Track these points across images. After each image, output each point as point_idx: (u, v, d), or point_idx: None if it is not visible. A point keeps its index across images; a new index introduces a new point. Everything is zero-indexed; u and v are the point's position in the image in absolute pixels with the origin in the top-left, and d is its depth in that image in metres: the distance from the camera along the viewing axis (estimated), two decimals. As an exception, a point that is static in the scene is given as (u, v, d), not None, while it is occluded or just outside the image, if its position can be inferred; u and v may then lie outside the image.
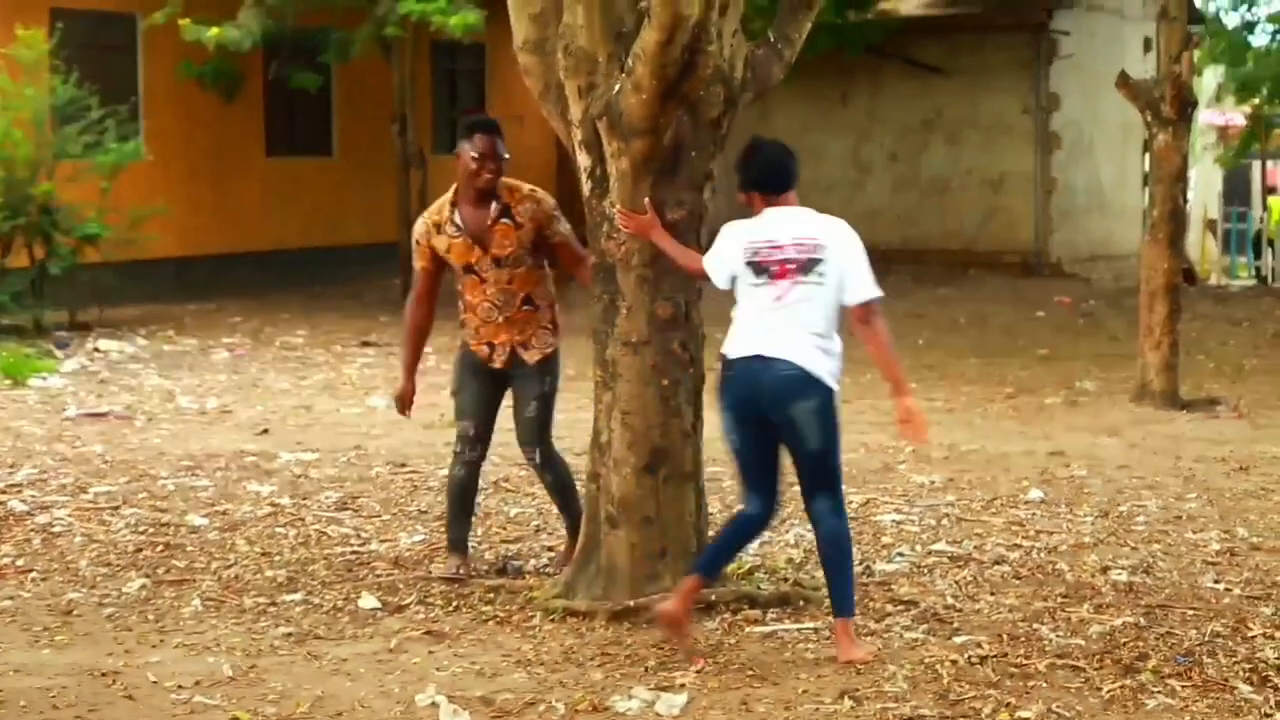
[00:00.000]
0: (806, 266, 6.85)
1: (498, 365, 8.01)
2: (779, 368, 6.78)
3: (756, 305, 6.87)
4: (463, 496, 8.18)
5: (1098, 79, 26.04)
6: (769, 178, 7.05)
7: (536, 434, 8.11)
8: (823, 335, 6.92)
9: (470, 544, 8.46)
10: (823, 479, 6.96)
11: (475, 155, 7.87)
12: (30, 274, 18.85)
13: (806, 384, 6.81)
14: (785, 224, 6.94)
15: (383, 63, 23.55)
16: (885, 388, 14.40)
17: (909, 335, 18.79)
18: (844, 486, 7.12)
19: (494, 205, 7.93)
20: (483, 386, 8.10)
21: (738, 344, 6.89)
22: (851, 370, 15.51)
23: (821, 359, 6.87)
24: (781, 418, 6.83)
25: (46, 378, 15.09)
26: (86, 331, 18.66)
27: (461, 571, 8.02)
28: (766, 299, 6.83)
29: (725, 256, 6.97)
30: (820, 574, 8.04)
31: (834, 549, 6.93)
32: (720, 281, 7.01)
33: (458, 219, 7.97)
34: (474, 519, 8.52)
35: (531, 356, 8.02)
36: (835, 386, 6.95)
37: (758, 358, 6.81)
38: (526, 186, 8.07)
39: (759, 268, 6.85)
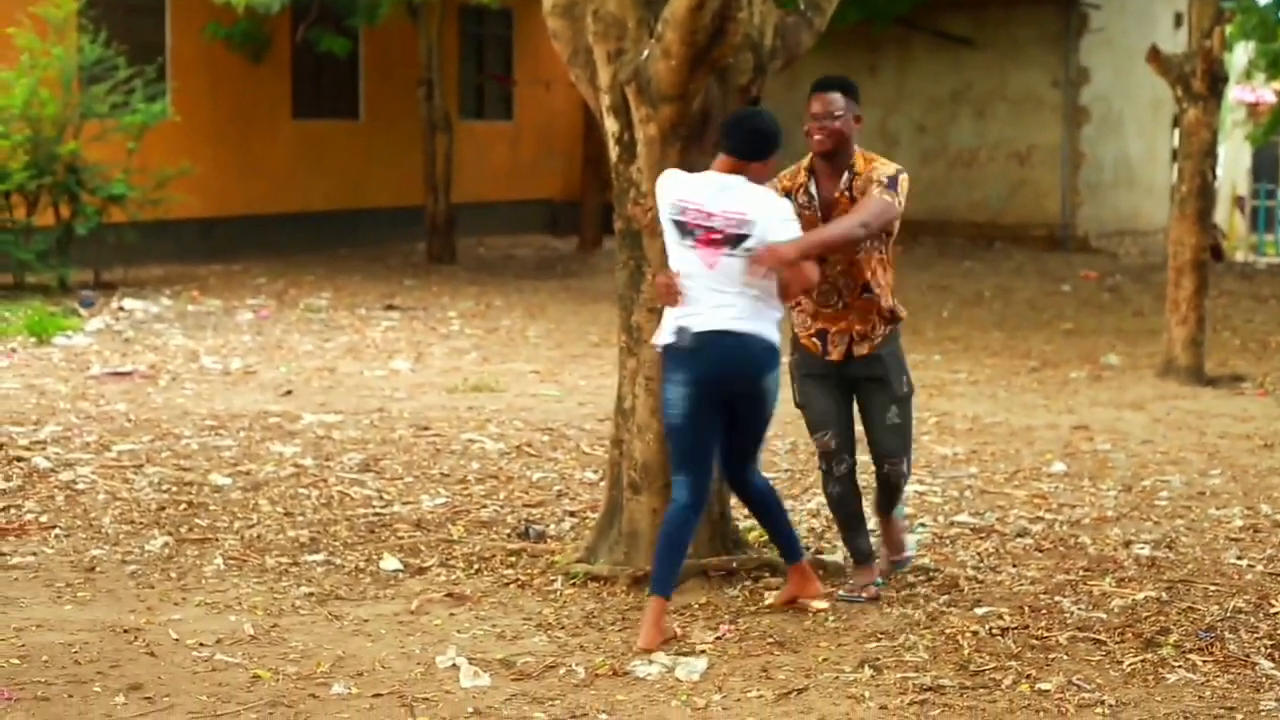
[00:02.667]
0: (733, 241, 6.61)
1: (834, 358, 7.23)
2: (753, 344, 6.66)
3: (693, 271, 6.66)
4: (845, 509, 7.39)
5: (1128, 53, 25.96)
6: (746, 145, 6.77)
7: (899, 443, 7.34)
8: (769, 303, 6.74)
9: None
10: (757, 447, 7.01)
11: (811, 115, 7.19)
12: (56, 233, 18.89)
13: (774, 357, 6.73)
14: (720, 193, 6.67)
15: (410, 26, 23.55)
16: (910, 358, 14.46)
17: (933, 307, 18.78)
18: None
19: (844, 175, 7.17)
20: (829, 391, 7.31)
21: (697, 316, 6.66)
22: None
23: (775, 329, 6.77)
24: (752, 392, 6.74)
25: (71, 336, 15.13)
26: (111, 291, 18.70)
27: (872, 589, 7.25)
28: (698, 265, 6.64)
29: (660, 202, 6.83)
30: (840, 542, 8.07)
31: (775, 501, 7.11)
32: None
33: (812, 188, 7.27)
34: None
35: (863, 349, 7.23)
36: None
37: (729, 334, 6.63)
38: (880, 160, 7.20)
39: (685, 228, 6.67)
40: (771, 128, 6.82)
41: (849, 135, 7.18)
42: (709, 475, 6.84)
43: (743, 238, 6.60)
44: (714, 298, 6.64)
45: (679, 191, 6.72)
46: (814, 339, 7.23)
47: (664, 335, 6.74)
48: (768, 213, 6.66)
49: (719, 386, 6.69)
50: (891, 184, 6.98)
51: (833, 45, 13.69)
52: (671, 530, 6.76)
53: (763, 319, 6.69)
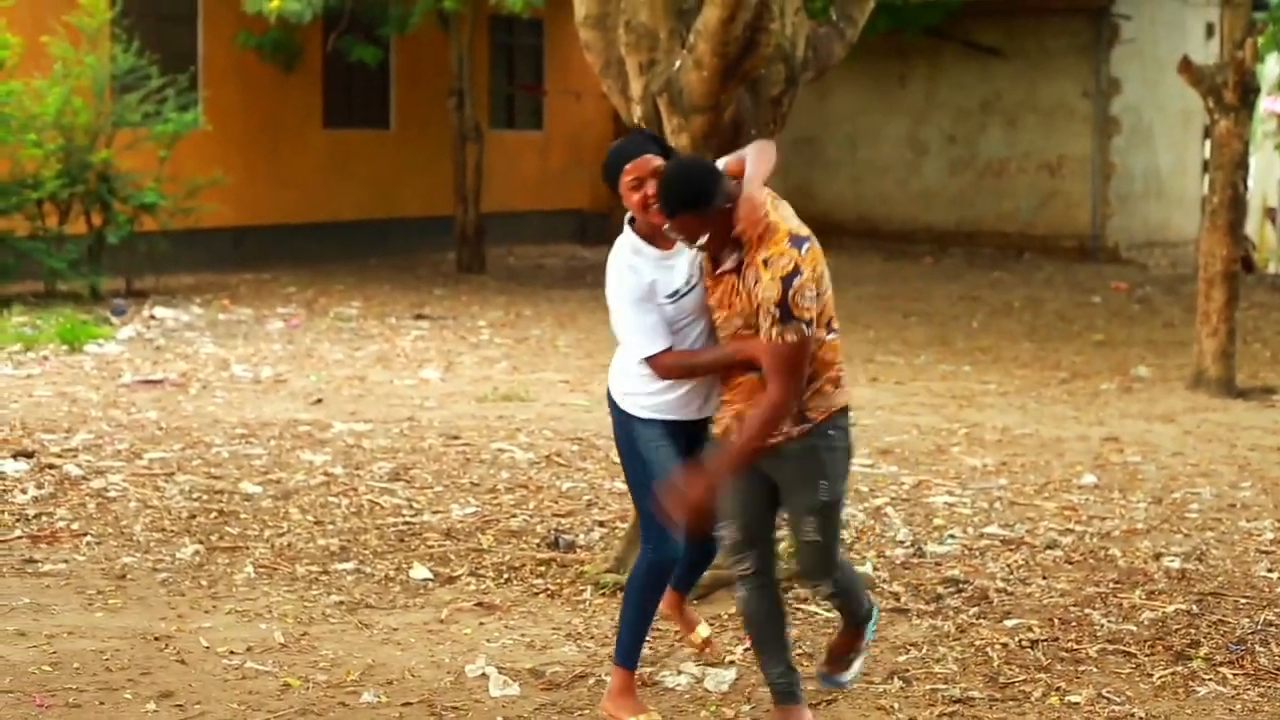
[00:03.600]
0: None
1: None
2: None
3: None
4: (751, 623, 5.90)
5: (1159, 64, 25.89)
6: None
7: (814, 563, 5.82)
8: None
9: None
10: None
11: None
12: (88, 241, 18.95)
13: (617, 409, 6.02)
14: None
15: (441, 36, 23.58)
16: (939, 369, 14.43)
17: (962, 318, 18.75)
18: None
19: (737, 251, 5.58)
20: (748, 477, 5.70)
21: None
22: (904, 352, 15.63)
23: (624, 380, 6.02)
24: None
25: (103, 344, 15.18)
26: (142, 299, 18.76)
27: None
28: None
29: None
30: (871, 554, 8.07)
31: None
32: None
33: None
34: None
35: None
36: (634, 411, 5.94)
37: None
38: (775, 237, 5.51)
39: None
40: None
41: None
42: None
43: None
44: None
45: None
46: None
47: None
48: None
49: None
50: (784, 313, 5.36)
51: (862, 55, 13.72)
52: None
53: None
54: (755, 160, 5.62)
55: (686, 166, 5.57)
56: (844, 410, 5.69)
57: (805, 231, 5.52)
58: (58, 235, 18.64)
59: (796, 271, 5.35)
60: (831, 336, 5.58)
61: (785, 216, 5.55)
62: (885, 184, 28.48)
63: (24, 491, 9.18)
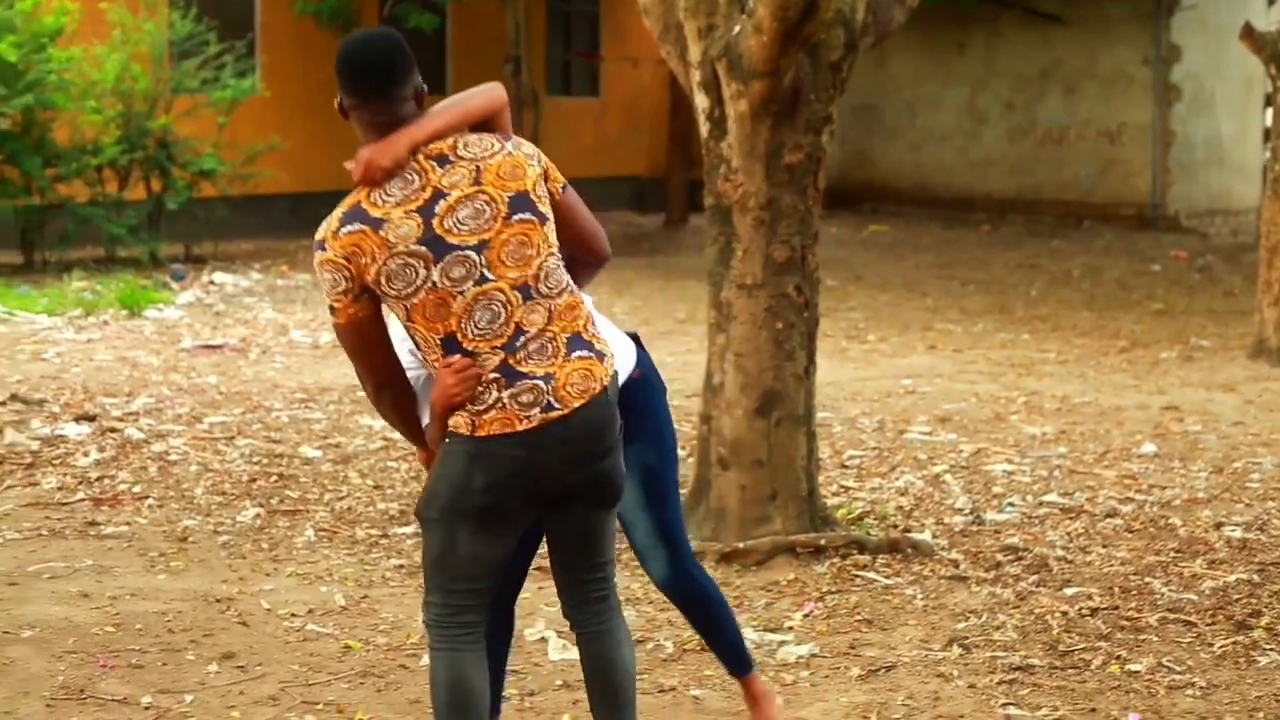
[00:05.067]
0: None
1: None
2: None
3: None
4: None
5: (1220, 31, 25.63)
6: None
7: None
8: None
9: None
10: None
11: None
12: (147, 207, 19.06)
13: None
14: None
15: (498, 3, 23.57)
16: (997, 337, 14.37)
17: (1021, 286, 18.67)
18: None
19: None
20: None
21: None
22: (963, 320, 15.57)
23: None
24: None
25: (162, 309, 15.27)
26: (201, 264, 18.86)
27: None
28: None
29: None
30: (930, 521, 8.07)
31: None
32: None
33: None
34: None
35: None
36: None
37: None
38: None
39: None
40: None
41: None
42: None
43: None
44: None
45: None
46: None
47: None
48: None
49: None
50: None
51: (921, 22, 13.65)
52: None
53: None
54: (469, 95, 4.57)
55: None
56: (479, 439, 4.28)
57: (377, 213, 4.24)
58: (117, 201, 18.76)
59: (319, 245, 4.31)
60: (448, 356, 4.29)
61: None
62: (944, 152, 28.34)
63: (86, 455, 9.25)
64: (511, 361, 4.26)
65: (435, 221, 4.23)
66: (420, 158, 4.29)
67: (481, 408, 4.26)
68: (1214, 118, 27.77)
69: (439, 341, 4.27)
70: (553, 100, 26.31)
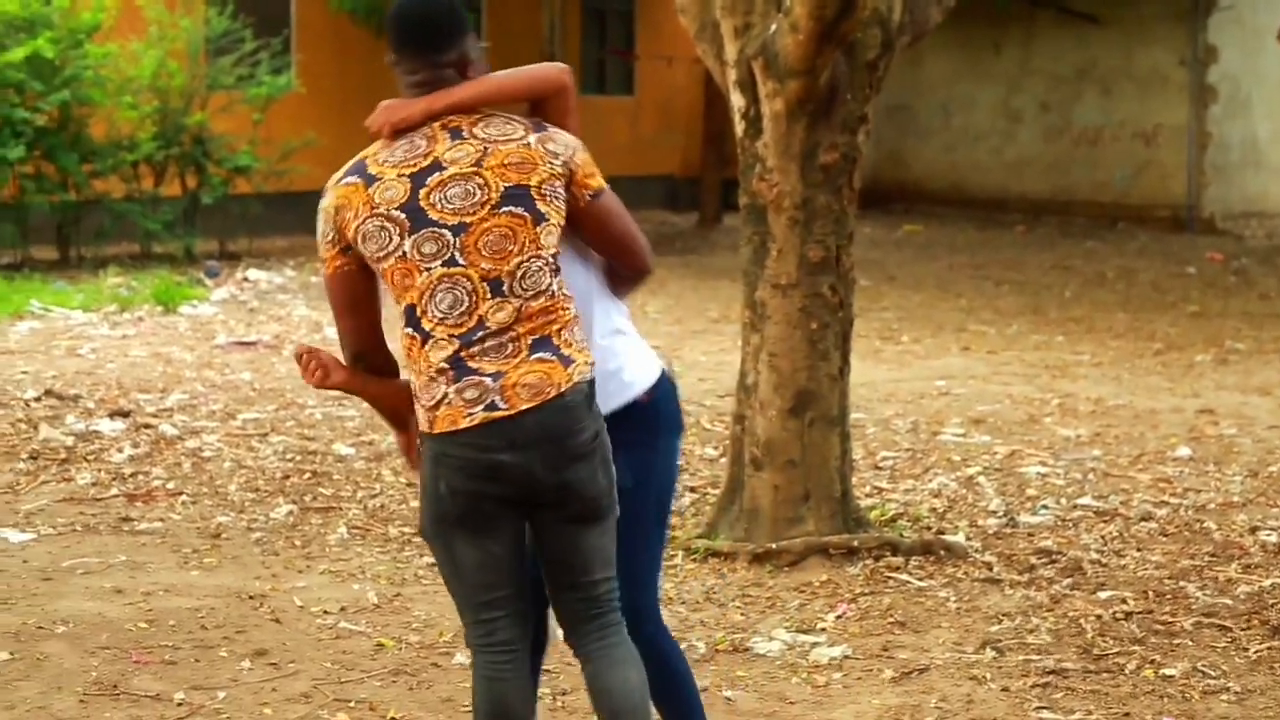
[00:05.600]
0: None
1: None
2: None
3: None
4: None
5: (1257, 32, 25.55)
6: None
7: None
8: None
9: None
10: None
11: None
12: (182, 203, 19.13)
13: None
14: None
15: (533, 1, 23.58)
16: (1031, 339, 14.31)
17: (1055, 288, 18.61)
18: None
19: None
20: None
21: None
22: (997, 321, 15.53)
23: None
24: None
25: (197, 305, 15.31)
26: (236, 261, 18.91)
27: None
28: None
29: None
30: (963, 523, 8.05)
31: None
32: None
33: None
34: None
35: None
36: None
37: None
38: None
39: None
40: None
41: None
42: None
43: None
44: None
45: None
46: None
47: (659, 367, 4.60)
48: None
49: None
50: None
51: (956, 21, 13.56)
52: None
53: None
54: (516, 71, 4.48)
55: None
56: (434, 437, 4.20)
57: (375, 170, 4.27)
58: (153, 197, 18.83)
59: (323, 191, 4.39)
60: (411, 329, 4.21)
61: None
62: (978, 152, 28.27)
63: (120, 450, 9.28)
64: (464, 355, 4.14)
65: (423, 192, 4.16)
66: (435, 126, 4.24)
67: (432, 403, 4.15)
68: (1250, 119, 27.64)
69: (402, 310, 4.19)
70: (587, 99, 26.30)
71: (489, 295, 4.14)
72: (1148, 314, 16.66)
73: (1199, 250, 23.10)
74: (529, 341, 4.15)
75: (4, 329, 13.74)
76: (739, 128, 7.53)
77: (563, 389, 4.15)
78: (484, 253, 4.14)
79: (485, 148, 4.19)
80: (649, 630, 4.52)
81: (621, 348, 4.46)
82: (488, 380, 4.13)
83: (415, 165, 4.20)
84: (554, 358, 4.16)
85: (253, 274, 17.80)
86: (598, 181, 4.32)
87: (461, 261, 4.14)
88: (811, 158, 7.31)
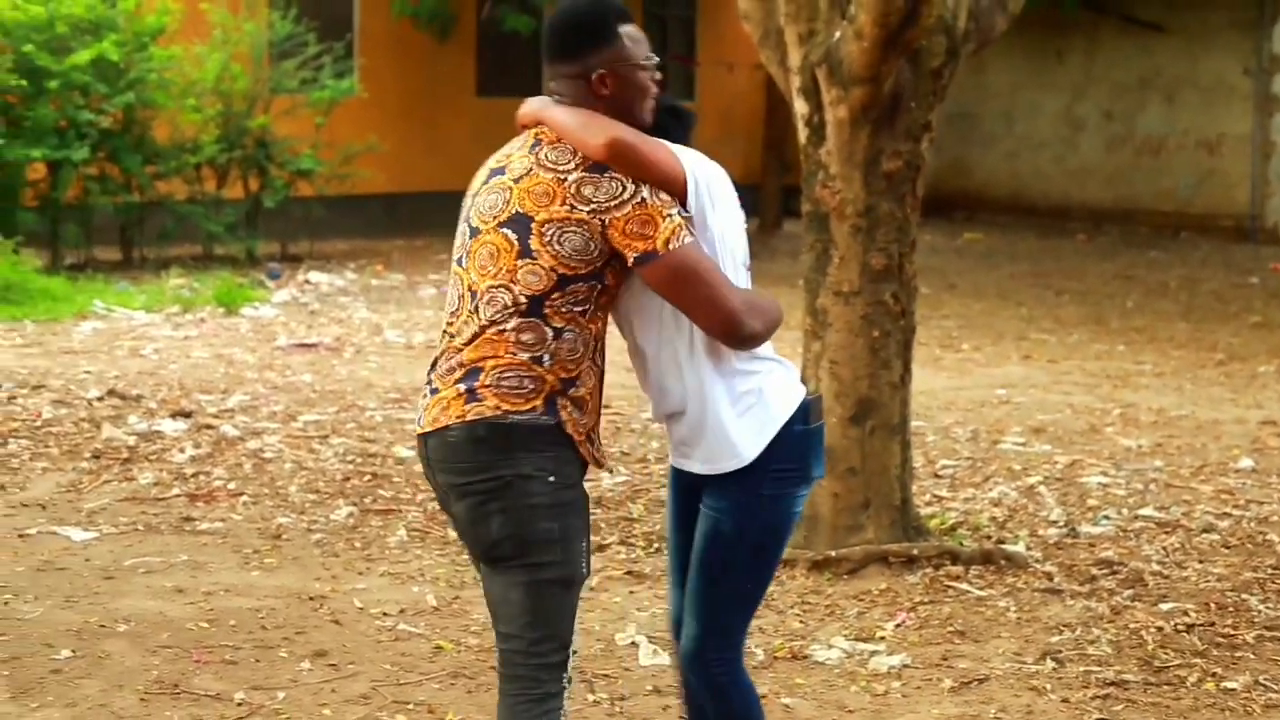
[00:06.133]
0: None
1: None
2: None
3: None
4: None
5: (1323, 41, 25.35)
6: None
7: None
8: None
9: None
10: None
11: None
12: (245, 205, 19.23)
13: None
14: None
15: (595, 6, 23.60)
16: (1092, 348, 14.23)
17: (1117, 297, 18.51)
18: None
19: None
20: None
21: (796, 378, 4.40)
22: (1058, 330, 15.44)
23: None
24: None
25: (258, 307, 15.38)
26: (297, 263, 19.00)
27: None
28: None
29: (734, 194, 4.34)
30: (1024, 532, 8.00)
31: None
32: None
33: None
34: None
35: None
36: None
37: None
38: None
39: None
40: None
41: None
42: None
43: None
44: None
45: (727, 184, 4.33)
46: (589, 447, 4.28)
47: (793, 407, 4.30)
48: None
49: None
50: None
51: (1019, 28, 13.47)
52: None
53: None
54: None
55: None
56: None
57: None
58: (215, 199, 18.94)
59: None
60: None
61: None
62: (1041, 160, 28.15)
63: (182, 451, 9.33)
64: (439, 356, 4.19)
65: (481, 188, 4.21)
66: (531, 132, 4.21)
67: None
68: (1315, 129, 27.44)
69: None
70: (648, 104, 26.29)
71: (469, 306, 4.13)
72: (1210, 324, 16.54)
73: (1262, 260, 22.94)
74: (466, 369, 4.10)
75: (68, 329, 13.84)
76: (802, 135, 7.52)
77: (450, 423, 4.07)
78: (477, 263, 4.12)
79: (531, 168, 4.11)
80: (723, 682, 4.40)
81: (725, 411, 4.22)
82: (427, 392, 4.19)
83: (498, 162, 4.23)
84: (465, 390, 4.07)
85: (314, 276, 17.88)
86: (645, 245, 4.02)
87: (465, 264, 4.17)
88: (875, 165, 7.29)
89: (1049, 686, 6.01)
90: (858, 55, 7.07)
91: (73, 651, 6.15)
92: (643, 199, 4.02)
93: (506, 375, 4.06)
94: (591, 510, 8.13)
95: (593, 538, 7.73)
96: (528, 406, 4.05)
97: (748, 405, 4.21)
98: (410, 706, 5.75)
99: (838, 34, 7.17)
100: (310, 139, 19.42)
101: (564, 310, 4.07)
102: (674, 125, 4.34)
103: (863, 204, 7.32)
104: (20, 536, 7.66)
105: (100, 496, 8.42)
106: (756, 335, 4.13)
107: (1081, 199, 27.51)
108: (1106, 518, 8.47)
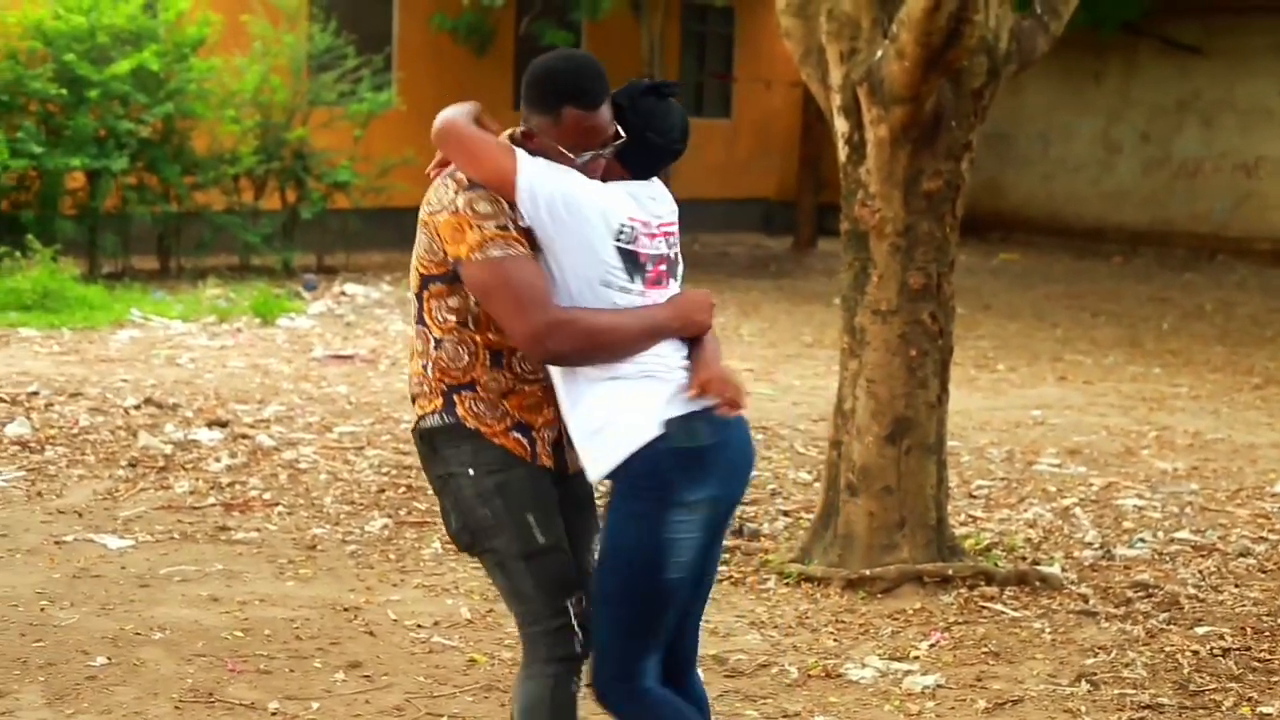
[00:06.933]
0: (677, 267, 4.39)
1: (548, 464, 4.35)
2: (747, 430, 4.37)
3: None
4: None
5: (1363, 65, 25.26)
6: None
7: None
8: None
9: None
10: (704, 606, 4.62)
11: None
12: (282, 217, 19.30)
13: None
14: (652, 203, 4.34)
15: (633, 22, 23.66)
16: (1128, 370, 14.17)
17: (1152, 319, 18.45)
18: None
19: None
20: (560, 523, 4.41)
21: (681, 396, 4.18)
22: (1093, 352, 15.40)
23: None
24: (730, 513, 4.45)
25: (294, 318, 15.43)
26: (333, 275, 19.05)
27: None
28: None
29: (598, 214, 4.18)
30: (1059, 554, 7.98)
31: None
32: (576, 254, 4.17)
33: None
34: None
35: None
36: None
37: (739, 419, 4.28)
38: None
39: (634, 261, 4.22)
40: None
41: None
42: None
43: (679, 259, 4.41)
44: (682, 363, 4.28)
45: (625, 207, 4.24)
46: (517, 436, 4.31)
47: (653, 424, 4.14)
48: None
49: (729, 509, 4.38)
50: None
51: (1058, 51, 13.45)
52: (676, 707, 4.43)
53: None
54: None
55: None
56: None
57: None
58: (253, 210, 19.02)
59: None
60: None
61: None
62: (1077, 182, 28.10)
63: (218, 460, 9.36)
64: None
65: None
66: None
67: None
68: (1353, 153, 27.36)
69: None
70: (684, 121, 26.31)
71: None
72: (1246, 348, 16.48)
73: (1300, 284, 22.86)
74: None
75: (105, 337, 13.90)
76: (842, 153, 7.52)
77: (414, 422, 4.42)
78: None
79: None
80: (616, 708, 4.35)
81: (584, 420, 4.19)
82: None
83: None
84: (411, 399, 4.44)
85: (350, 288, 17.92)
86: (454, 251, 4.13)
87: None
88: (915, 184, 7.29)
89: (1083, 709, 5.99)
90: (899, 74, 7.07)
91: (108, 659, 6.17)
92: (458, 207, 4.14)
93: (414, 381, 4.36)
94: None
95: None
96: (431, 408, 4.32)
97: (604, 418, 4.15)
98: (443, 719, 5.76)
99: (879, 53, 7.17)
100: (348, 151, 19.48)
101: (440, 320, 4.26)
102: (633, 154, 4.31)
103: (902, 223, 7.32)
104: (57, 543, 7.69)
105: (136, 504, 8.45)
106: (562, 355, 4.12)
107: (1117, 221, 27.45)
108: (1142, 540, 8.44)
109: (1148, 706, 6.02)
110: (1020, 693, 6.14)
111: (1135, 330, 17.54)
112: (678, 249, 4.37)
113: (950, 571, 7.34)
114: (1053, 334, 16.91)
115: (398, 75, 21.69)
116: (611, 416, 4.14)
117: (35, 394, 10.95)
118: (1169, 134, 27.39)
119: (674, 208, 4.38)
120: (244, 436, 9.96)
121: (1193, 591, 7.52)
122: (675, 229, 4.36)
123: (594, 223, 4.14)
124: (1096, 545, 8.27)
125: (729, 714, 5.85)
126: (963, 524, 8.51)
